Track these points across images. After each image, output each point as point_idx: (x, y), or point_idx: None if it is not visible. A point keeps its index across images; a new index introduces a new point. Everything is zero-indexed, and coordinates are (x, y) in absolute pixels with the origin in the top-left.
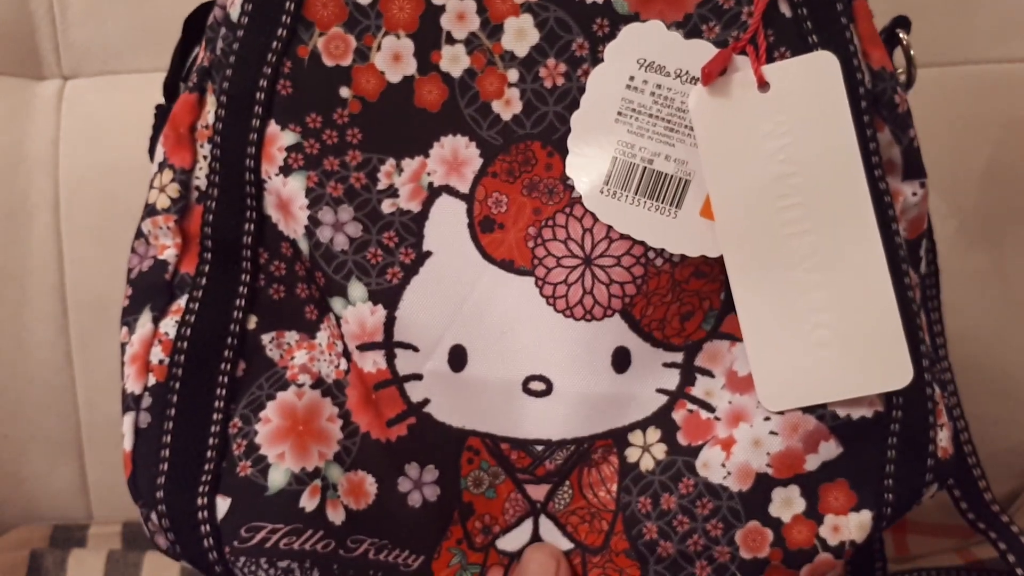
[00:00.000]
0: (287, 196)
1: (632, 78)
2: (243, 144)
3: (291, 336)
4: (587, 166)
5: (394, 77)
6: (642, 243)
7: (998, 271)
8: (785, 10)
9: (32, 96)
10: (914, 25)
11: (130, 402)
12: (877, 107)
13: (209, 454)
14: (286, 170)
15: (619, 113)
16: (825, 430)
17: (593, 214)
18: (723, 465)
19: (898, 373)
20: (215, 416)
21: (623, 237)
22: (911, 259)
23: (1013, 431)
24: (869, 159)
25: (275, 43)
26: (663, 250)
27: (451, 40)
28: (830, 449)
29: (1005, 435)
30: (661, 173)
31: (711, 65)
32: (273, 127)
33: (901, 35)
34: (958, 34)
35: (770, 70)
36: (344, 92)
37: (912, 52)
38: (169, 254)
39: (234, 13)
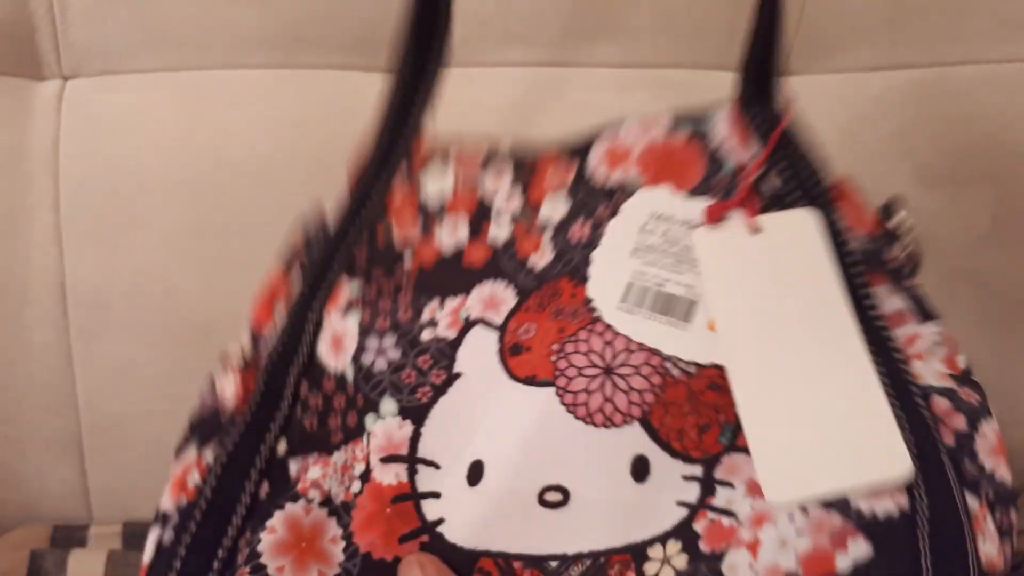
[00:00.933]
0: (341, 332)
1: (645, 224)
2: (313, 297)
3: (311, 455)
4: (606, 288)
5: (448, 250)
6: (658, 353)
7: (998, 271)
8: (776, 182)
9: (32, 96)
10: (914, 25)
11: (159, 519)
12: (869, 263)
13: (216, 565)
14: (346, 311)
15: (634, 250)
16: (852, 527)
17: (613, 329)
18: (751, 567)
19: (896, 462)
20: (230, 532)
21: (641, 348)
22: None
23: (1013, 431)
24: (861, 304)
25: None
26: (679, 361)
27: (499, 217)
28: (860, 549)
29: (1005, 435)
30: (671, 294)
31: (712, 210)
32: (343, 278)
33: (894, 218)
34: (958, 34)
35: (762, 219)
36: (407, 260)
37: (907, 230)
38: (228, 398)
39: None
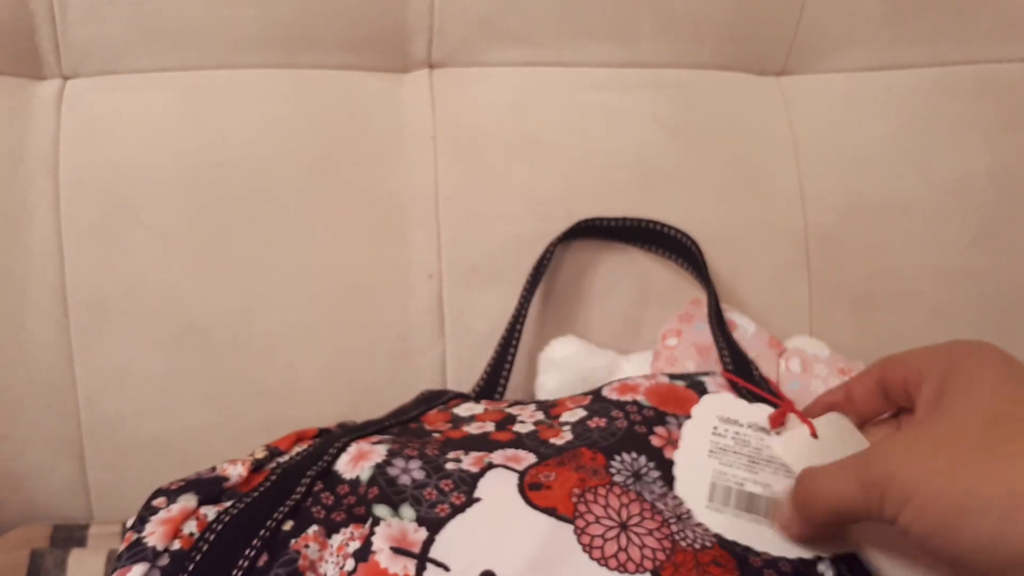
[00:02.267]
0: (368, 450)
1: (715, 428)
2: (342, 436)
3: (312, 528)
4: (692, 488)
5: (475, 432)
6: (668, 525)
7: (998, 271)
8: None
9: (32, 96)
10: (914, 25)
11: (148, 554)
12: None
13: None
14: (376, 442)
15: (710, 451)
16: None
17: (629, 495)
18: None
19: None
20: None
21: (654, 516)
22: None
23: None
24: None
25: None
26: (687, 533)
27: (523, 424)
28: None
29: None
30: (752, 493)
31: (774, 417)
32: (373, 437)
33: None
34: (958, 34)
35: (816, 422)
36: (436, 436)
37: None
38: (232, 473)
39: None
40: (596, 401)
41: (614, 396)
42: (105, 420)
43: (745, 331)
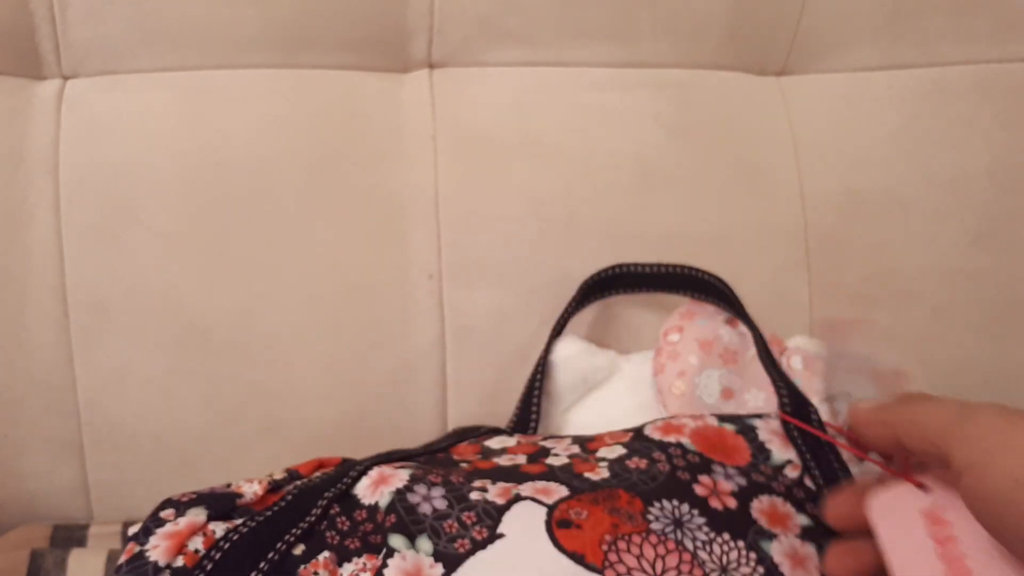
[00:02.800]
0: (390, 474)
1: None
2: (363, 462)
3: (324, 554)
4: None
5: (506, 463)
6: None
7: (998, 271)
8: (809, 484)
9: (32, 96)
10: (914, 25)
11: (149, 569)
12: None
13: None
14: (400, 468)
15: None
16: None
17: (667, 544)
18: None
19: None
20: None
21: (695, 567)
22: None
23: None
24: None
25: None
26: None
27: (557, 456)
28: None
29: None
30: None
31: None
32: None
33: None
34: (958, 34)
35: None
36: (464, 466)
37: None
38: (247, 491)
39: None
40: (637, 439)
41: (657, 436)
42: (105, 420)
43: (746, 329)
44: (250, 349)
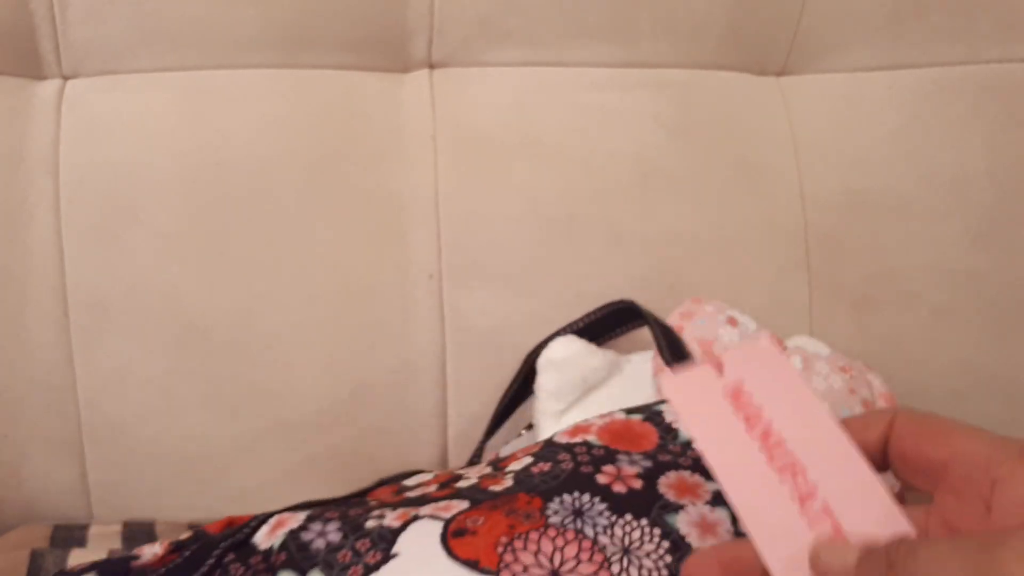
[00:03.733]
0: (288, 517)
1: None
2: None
3: None
4: None
5: (412, 493)
6: (609, 567)
7: (998, 271)
8: None
9: (32, 96)
10: (914, 25)
11: None
12: None
13: None
14: (299, 511)
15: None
16: None
17: (566, 535)
18: None
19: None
20: None
21: (595, 554)
22: None
23: (1013, 431)
24: None
25: None
26: (633, 572)
27: (467, 479)
28: None
29: (1005, 435)
30: None
31: None
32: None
33: None
34: (958, 34)
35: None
36: (370, 501)
37: None
38: (147, 553)
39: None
40: (545, 447)
41: (564, 440)
42: (105, 420)
43: (746, 329)
44: (250, 349)
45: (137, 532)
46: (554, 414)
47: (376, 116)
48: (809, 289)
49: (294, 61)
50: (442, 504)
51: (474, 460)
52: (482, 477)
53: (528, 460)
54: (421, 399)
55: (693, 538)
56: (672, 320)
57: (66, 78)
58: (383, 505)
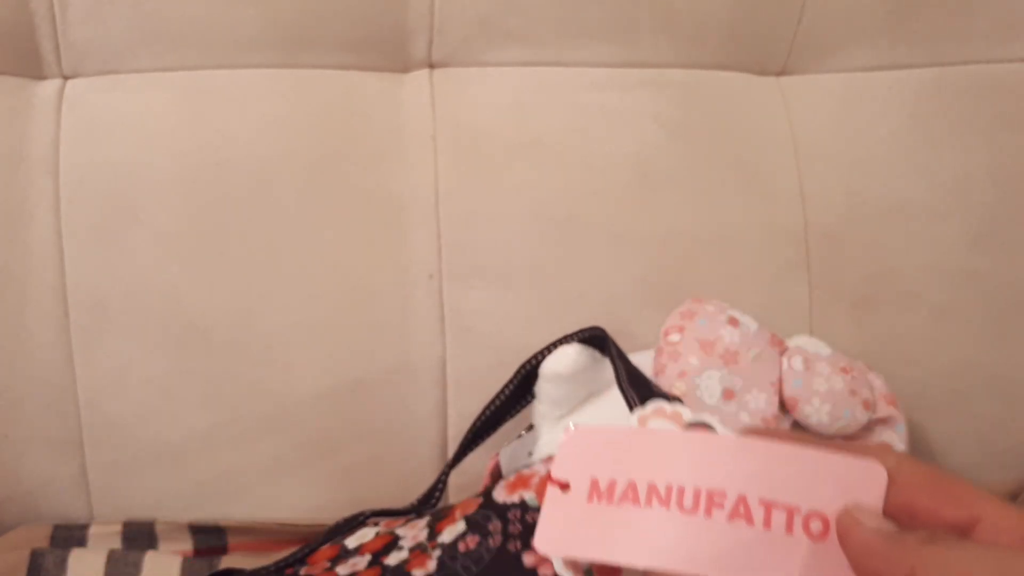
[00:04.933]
0: None
1: None
2: None
3: None
4: None
5: (343, 573)
6: None
7: (999, 272)
8: None
9: (32, 96)
10: (914, 25)
11: None
12: None
13: None
14: None
15: None
16: None
17: None
18: None
19: None
20: None
21: None
22: None
23: (1013, 431)
24: None
25: None
26: None
27: (401, 550)
28: None
29: (1005, 435)
30: None
31: None
32: None
33: None
34: (958, 34)
35: None
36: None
37: None
38: None
39: None
40: (484, 506)
41: (502, 498)
42: (105, 420)
43: (747, 329)
44: (250, 349)
45: (137, 532)
46: (554, 419)
47: (376, 116)
48: (809, 289)
49: (294, 61)
50: None
51: (439, 485)
52: (413, 551)
53: (460, 528)
54: (421, 399)
55: None
56: (673, 320)
57: (66, 78)
58: None
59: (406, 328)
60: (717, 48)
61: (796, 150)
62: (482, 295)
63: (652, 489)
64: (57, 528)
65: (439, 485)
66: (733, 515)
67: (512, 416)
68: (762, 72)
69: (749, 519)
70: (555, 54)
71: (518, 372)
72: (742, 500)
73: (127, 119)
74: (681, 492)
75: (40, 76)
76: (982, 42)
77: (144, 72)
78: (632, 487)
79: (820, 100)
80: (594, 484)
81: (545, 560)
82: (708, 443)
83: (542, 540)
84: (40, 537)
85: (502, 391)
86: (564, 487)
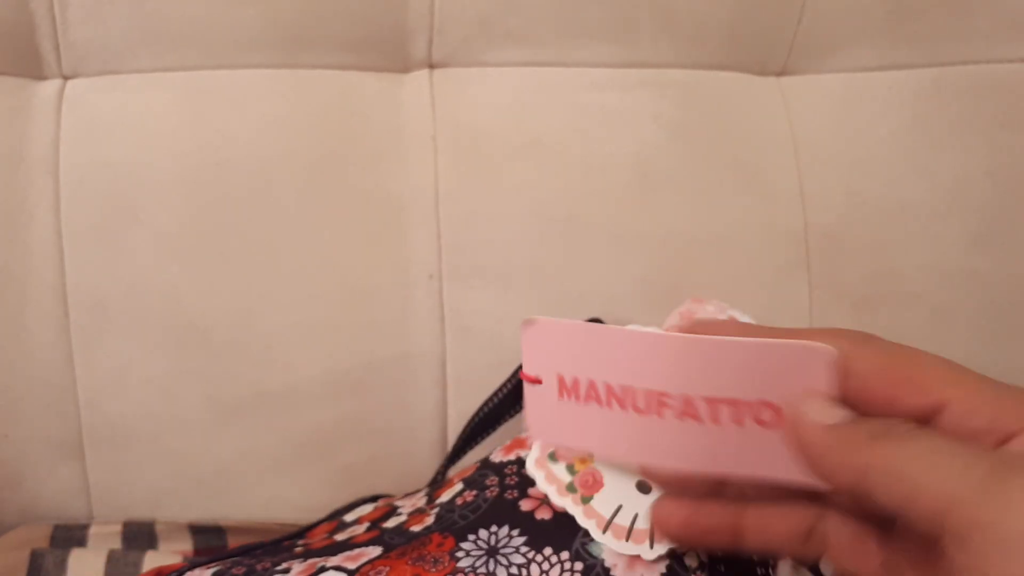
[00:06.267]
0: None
1: None
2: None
3: None
4: None
5: (340, 539)
6: None
7: (998, 272)
8: None
9: (32, 96)
10: (914, 25)
11: None
12: None
13: None
14: (209, 567)
15: None
16: None
17: None
18: None
19: None
20: None
21: None
22: None
23: None
24: None
25: None
26: None
27: (400, 515)
28: None
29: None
30: None
31: None
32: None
33: None
34: (958, 34)
35: None
36: (297, 548)
37: None
38: None
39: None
40: (480, 468)
41: (498, 458)
42: (105, 420)
43: None
44: (250, 349)
45: (137, 532)
46: None
47: (376, 116)
48: (809, 289)
49: (294, 61)
50: (355, 552)
51: (437, 479)
52: (412, 514)
53: (458, 488)
54: (421, 399)
55: (619, 570)
56: (672, 320)
57: (66, 78)
58: (308, 553)
59: (406, 328)
60: (717, 48)
61: (796, 150)
62: (482, 295)
63: (609, 390)
64: (57, 528)
65: (437, 479)
66: (682, 414)
67: (512, 415)
68: (762, 72)
69: (696, 417)
70: (555, 54)
71: (517, 370)
72: (687, 399)
73: (127, 119)
74: (633, 393)
75: (40, 76)
76: (982, 42)
77: (144, 72)
78: (592, 387)
79: (820, 100)
80: (561, 381)
81: (542, 505)
82: (653, 343)
83: (535, 429)
84: (40, 537)
85: (500, 389)
86: (536, 381)
